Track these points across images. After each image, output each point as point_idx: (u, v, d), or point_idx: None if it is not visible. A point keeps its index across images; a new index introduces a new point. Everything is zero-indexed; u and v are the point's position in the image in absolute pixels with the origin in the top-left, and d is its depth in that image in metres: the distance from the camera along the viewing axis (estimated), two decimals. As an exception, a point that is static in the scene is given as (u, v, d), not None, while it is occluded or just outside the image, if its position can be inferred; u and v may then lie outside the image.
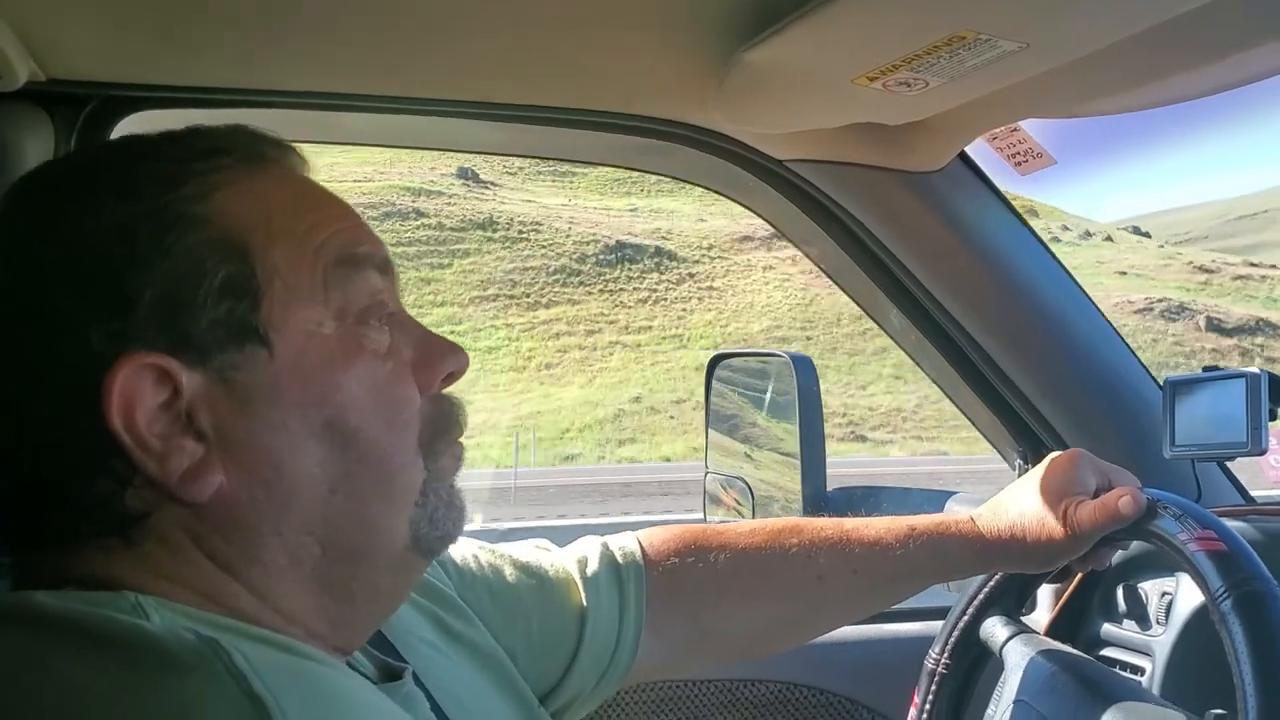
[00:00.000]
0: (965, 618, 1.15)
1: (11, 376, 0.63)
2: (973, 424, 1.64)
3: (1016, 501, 1.01)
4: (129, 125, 1.19)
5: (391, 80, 1.21)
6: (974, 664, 1.16)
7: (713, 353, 2.07)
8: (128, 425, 0.61)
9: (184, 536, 0.63)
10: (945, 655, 1.15)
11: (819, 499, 1.72)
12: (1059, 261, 1.46)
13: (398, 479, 0.69)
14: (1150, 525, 0.95)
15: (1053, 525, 0.97)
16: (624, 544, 1.01)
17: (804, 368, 1.76)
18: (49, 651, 0.56)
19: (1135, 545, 1.32)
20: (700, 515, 2.06)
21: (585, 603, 0.96)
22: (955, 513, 1.13)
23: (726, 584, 1.00)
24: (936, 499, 1.65)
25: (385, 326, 0.70)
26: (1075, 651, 1.15)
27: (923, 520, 1.02)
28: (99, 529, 0.62)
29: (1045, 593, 1.53)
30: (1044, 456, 1.05)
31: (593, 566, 0.98)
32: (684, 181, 1.58)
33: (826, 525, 1.03)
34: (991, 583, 1.15)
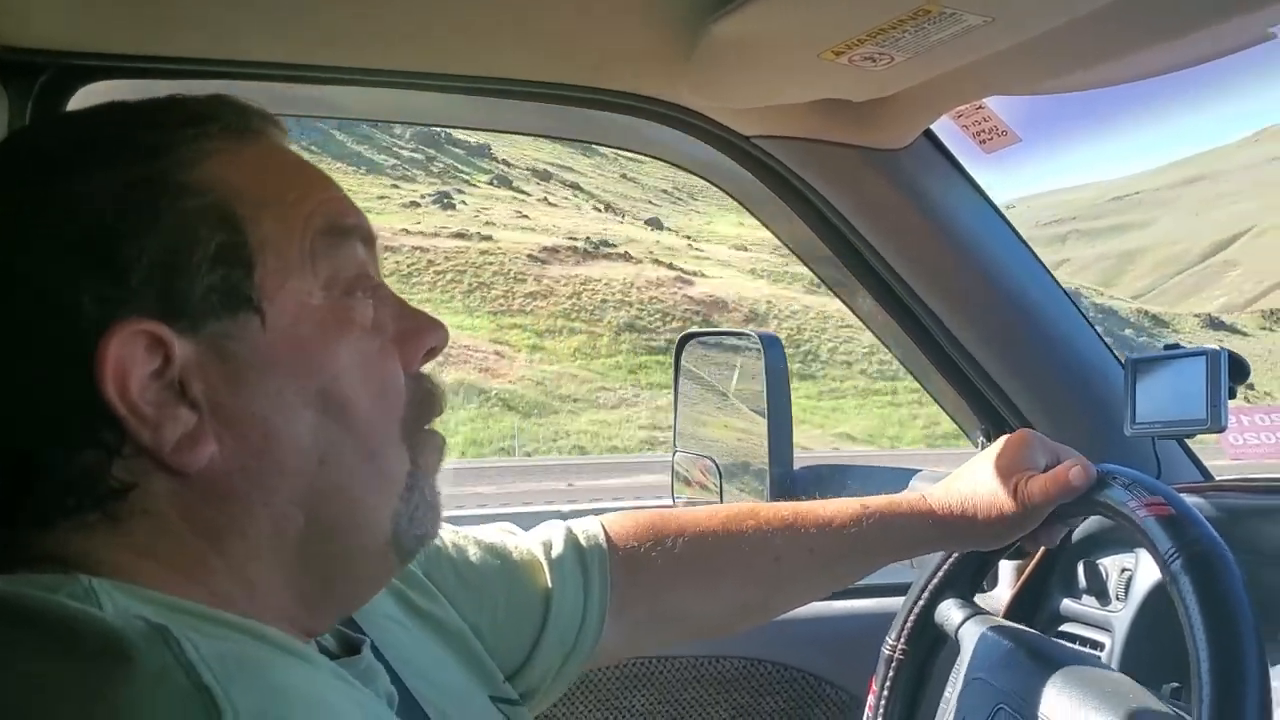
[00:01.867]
0: (920, 603, 1.16)
1: None
2: (938, 403, 1.65)
3: (969, 479, 1.03)
4: (87, 95, 1.17)
5: (358, 53, 1.20)
6: (931, 648, 1.16)
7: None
8: (121, 392, 0.60)
9: (170, 509, 0.62)
10: (902, 641, 1.16)
11: (786, 477, 1.72)
12: (1024, 241, 1.46)
13: (383, 458, 0.69)
14: (1099, 496, 0.96)
15: (1004, 501, 0.99)
16: (588, 528, 1.02)
17: (773, 347, 1.76)
18: None
19: (1095, 522, 1.33)
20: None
21: (550, 584, 0.96)
22: (913, 490, 1.14)
23: (686, 567, 1.01)
24: (901, 476, 1.66)
25: (369, 299, 0.70)
26: (1030, 630, 1.16)
27: (876, 500, 1.03)
28: (81, 504, 0.61)
29: (1007, 569, 1.54)
30: None
31: (557, 549, 0.98)
32: (650, 156, 1.58)
33: (782, 507, 1.04)
34: (946, 566, 1.15)
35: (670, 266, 46.70)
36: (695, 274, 46.91)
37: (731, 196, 1.55)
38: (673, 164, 1.55)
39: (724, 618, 1.08)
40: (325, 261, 0.67)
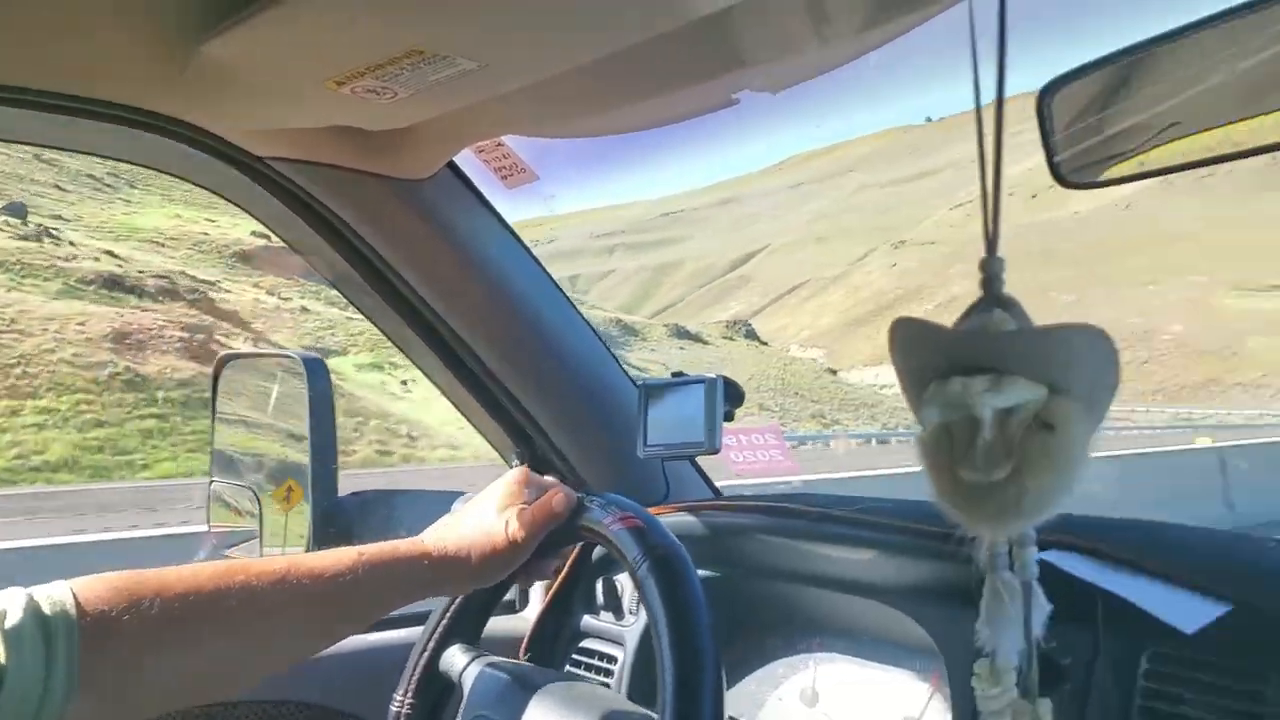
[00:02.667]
0: (425, 654, 1.16)
1: None
2: (476, 429, 1.68)
3: (464, 520, 1.05)
4: None
5: None
6: (439, 698, 1.16)
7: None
8: None
9: None
10: (409, 695, 1.15)
11: (329, 505, 1.67)
12: (546, 271, 1.52)
13: None
14: (581, 520, 1.02)
15: (496, 537, 1.02)
16: (53, 594, 0.92)
17: (316, 370, 1.71)
18: None
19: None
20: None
21: (4, 659, 0.86)
22: (453, 513, 1.14)
23: (164, 630, 0.95)
24: (445, 499, 1.66)
25: None
26: (527, 664, 1.22)
27: (374, 547, 1.03)
28: None
29: (539, 589, 1.60)
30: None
31: (14, 618, 0.88)
32: (171, 175, 1.47)
33: (275, 561, 1.01)
34: (449, 615, 1.17)
35: None
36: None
37: (261, 222, 1.48)
38: (195, 183, 1.45)
39: (211, 680, 1.01)
40: None
